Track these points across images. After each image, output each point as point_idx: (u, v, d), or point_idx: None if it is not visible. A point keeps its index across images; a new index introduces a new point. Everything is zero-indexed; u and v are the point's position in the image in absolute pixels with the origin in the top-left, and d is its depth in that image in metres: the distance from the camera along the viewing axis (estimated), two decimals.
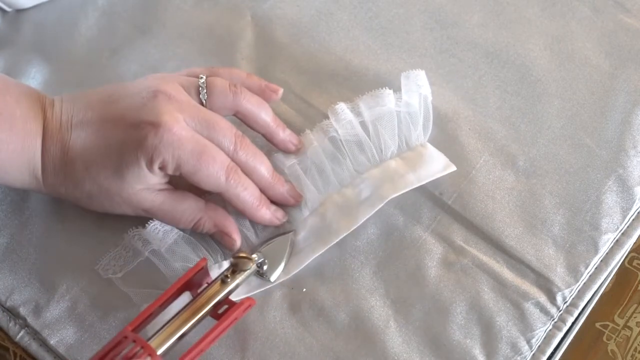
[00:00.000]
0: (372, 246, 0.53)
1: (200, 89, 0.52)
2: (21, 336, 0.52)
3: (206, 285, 0.49)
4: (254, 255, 0.51)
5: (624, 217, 0.54)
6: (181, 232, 0.52)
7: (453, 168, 0.54)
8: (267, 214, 0.53)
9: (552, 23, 0.62)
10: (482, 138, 0.57)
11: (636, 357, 0.52)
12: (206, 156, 0.49)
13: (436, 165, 0.54)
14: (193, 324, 0.47)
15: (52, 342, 0.51)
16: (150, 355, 0.44)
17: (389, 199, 0.53)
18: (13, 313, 0.53)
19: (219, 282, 0.49)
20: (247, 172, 0.52)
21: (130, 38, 0.62)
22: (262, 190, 0.53)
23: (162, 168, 0.49)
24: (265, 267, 0.52)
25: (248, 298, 0.49)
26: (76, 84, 0.60)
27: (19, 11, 0.64)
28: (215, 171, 0.49)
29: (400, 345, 0.50)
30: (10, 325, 0.52)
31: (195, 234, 0.53)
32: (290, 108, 0.59)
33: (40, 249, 0.54)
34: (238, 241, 0.53)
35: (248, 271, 0.49)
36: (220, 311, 0.48)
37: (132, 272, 0.52)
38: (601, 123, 0.57)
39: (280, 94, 0.56)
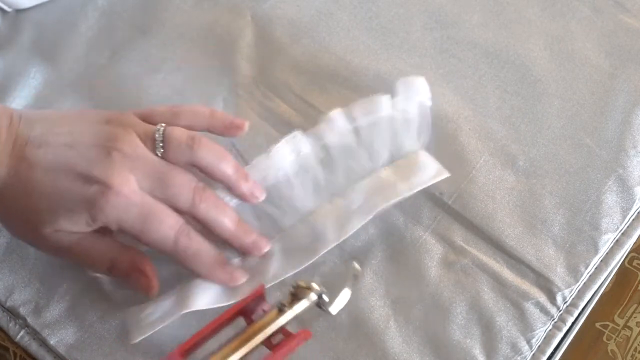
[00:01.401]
0: (372, 246, 0.53)
1: (156, 142, 0.49)
2: (21, 336, 0.52)
3: (262, 312, 0.47)
4: (314, 284, 0.47)
5: (624, 217, 0.54)
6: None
7: (446, 174, 0.54)
8: (223, 275, 0.50)
9: (552, 23, 0.62)
10: (482, 138, 0.57)
11: (636, 357, 0.52)
12: (152, 220, 0.47)
13: (428, 173, 0.53)
14: (246, 352, 0.45)
15: (52, 342, 0.51)
16: None
17: (379, 209, 0.52)
18: (13, 313, 0.53)
19: (275, 310, 0.46)
20: (210, 226, 0.50)
21: (130, 38, 0.62)
22: (227, 242, 0.51)
23: (105, 225, 0.48)
24: (325, 298, 0.48)
25: (304, 330, 0.46)
26: (76, 84, 0.60)
27: (19, 11, 0.64)
28: (162, 235, 0.48)
29: (400, 345, 0.50)
30: (10, 325, 0.52)
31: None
32: (290, 108, 0.59)
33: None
34: (156, 286, 0.50)
35: (308, 302, 0.47)
36: (275, 341, 0.46)
37: None
38: (601, 123, 0.57)
39: (246, 128, 0.53)
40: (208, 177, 0.51)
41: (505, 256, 0.53)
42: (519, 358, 0.50)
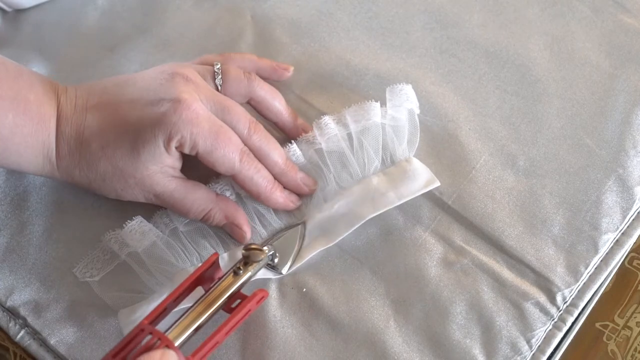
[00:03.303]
0: (372, 246, 0.53)
1: (215, 74, 0.53)
2: (21, 336, 0.52)
3: (218, 279, 0.49)
4: (265, 248, 0.50)
5: (624, 217, 0.54)
6: (160, 234, 0.52)
7: (437, 184, 0.54)
8: (281, 197, 0.53)
9: (552, 23, 0.62)
10: (482, 138, 0.57)
11: (636, 357, 0.52)
12: (222, 136, 0.49)
13: (419, 182, 0.54)
14: (208, 316, 0.47)
15: (52, 342, 0.51)
16: (167, 346, 0.44)
17: (367, 218, 0.53)
18: (13, 313, 0.53)
19: (231, 274, 0.48)
20: (261, 158, 0.52)
21: (130, 38, 0.63)
22: (275, 177, 0.53)
23: (179, 147, 0.49)
24: (276, 260, 0.52)
25: (261, 290, 0.49)
26: (76, 84, 0.60)
27: (19, 11, 0.64)
28: (230, 152, 0.50)
29: (400, 345, 0.50)
30: (10, 325, 0.52)
31: (173, 236, 0.52)
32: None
33: (40, 249, 0.54)
34: (248, 233, 0.53)
35: (260, 263, 0.49)
36: (233, 304, 0.48)
37: (109, 275, 0.52)
38: (601, 123, 0.57)
39: (291, 71, 0.58)
40: (260, 112, 0.55)
41: (505, 256, 0.53)
42: (518, 358, 0.50)
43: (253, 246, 0.49)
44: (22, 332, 0.52)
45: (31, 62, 0.61)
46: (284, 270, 0.52)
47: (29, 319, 0.52)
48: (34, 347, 0.52)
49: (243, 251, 0.49)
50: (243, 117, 0.51)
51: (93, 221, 0.55)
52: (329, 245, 0.53)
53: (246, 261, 0.49)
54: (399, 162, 0.55)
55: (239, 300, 0.48)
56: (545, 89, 0.59)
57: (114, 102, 0.50)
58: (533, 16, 0.62)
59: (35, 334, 0.52)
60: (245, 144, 0.51)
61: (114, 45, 0.62)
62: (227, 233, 0.53)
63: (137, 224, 0.51)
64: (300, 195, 0.54)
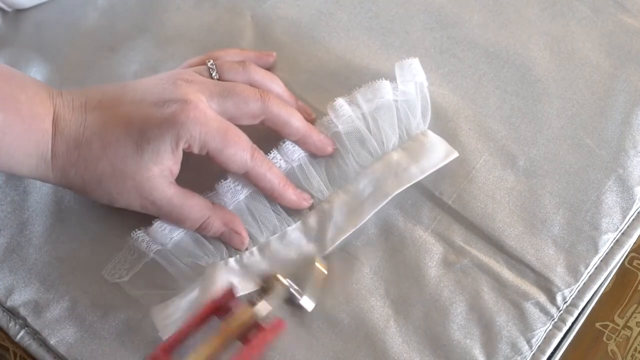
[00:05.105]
0: (372, 246, 0.53)
1: (210, 70, 0.53)
2: (21, 336, 0.52)
3: (234, 309, 0.48)
4: (279, 276, 0.49)
5: (624, 217, 0.54)
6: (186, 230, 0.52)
7: (455, 154, 0.54)
8: (294, 194, 0.53)
9: (552, 23, 0.62)
10: (482, 138, 0.57)
11: (636, 357, 0.52)
12: (231, 134, 0.50)
13: (438, 154, 0.54)
14: (222, 346, 0.46)
15: (52, 342, 0.51)
16: None
17: (394, 194, 0.53)
18: (13, 313, 0.53)
19: (247, 306, 0.48)
20: (281, 126, 0.53)
21: (130, 38, 0.63)
22: (299, 143, 0.54)
23: (188, 147, 0.49)
24: (294, 292, 0.50)
25: (278, 320, 0.48)
26: (76, 84, 0.60)
27: (19, 11, 0.64)
28: (241, 149, 0.50)
29: (400, 345, 0.50)
30: (10, 325, 0.52)
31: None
32: None
33: (40, 249, 0.54)
34: (247, 239, 0.53)
35: (278, 294, 0.49)
36: (250, 336, 0.47)
37: (138, 274, 0.52)
38: (601, 123, 0.57)
39: (275, 56, 0.59)
40: None
41: (505, 256, 0.53)
42: (518, 358, 0.50)
43: (271, 277, 0.48)
44: (22, 332, 0.52)
45: (31, 62, 0.61)
46: (304, 303, 0.51)
47: (29, 319, 0.52)
48: (34, 347, 0.52)
49: (261, 282, 0.49)
50: (252, 92, 0.52)
51: (93, 221, 0.55)
52: (357, 227, 0.53)
53: (263, 291, 0.48)
54: (416, 135, 0.55)
55: (255, 330, 0.47)
56: (545, 89, 0.59)
57: (116, 104, 0.50)
58: (533, 16, 0.62)
59: (35, 334, 0.52)
60: (266, 117, 0.52)
61: (114, 45, 0.62)
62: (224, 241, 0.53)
63: (165, 221, 0.52)
64: (325, 155, 0.54)
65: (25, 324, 0.52)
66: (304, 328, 0.51)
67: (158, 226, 0.52)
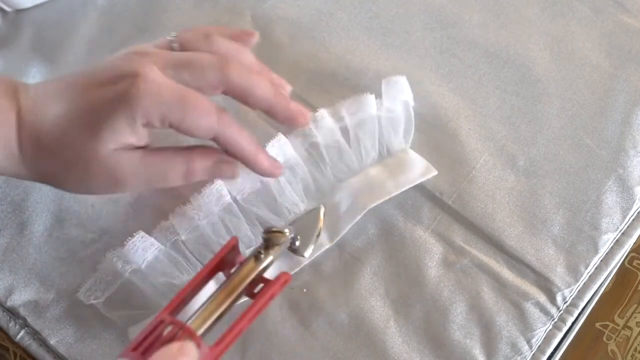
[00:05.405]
0: (372, 246, 0.53)
1: (171, 42, 0.50)
2: (21, 336, 0.52)
3: (239, 264, 0.47)
4: (286, 230, 0.48)
5: (624, 217, 0.54)
6: (161, 247, 0.50)
7: (434, 172, 0.54)
8: (266, 160, 0.50)
9: (552, 23, 0.62)
10: (482, 138, 0.57)
11: (636, 357, 0.52)
12: (190, 99, 0.46)
13: (417, 171, 0.54)
14: (230, 304, 0.45)
15: (52, 342, 0.51)
16: (190, 336, 0.41)
17: (368, 208, 0.53)
18: (13, 313, 0.53)
19: (252, 259, 0.46)
20: (246, 96, 0.48)
21: (130, 38, 0.62)
22: (269, 112, 0.49)
23: (147, 123, 0.46)
24: (297, 243, 0.50)
25: (284, 273, 0.46)
26: None
27: (19, 11, 0.64)
28: (205, 113, 0.46)
29: (400, 345, 0.50)
30: (10, 325, 0.52)
31: (174, 248, 0.51)
32: None
33: (40, 249, 0.54)
34: (238, 168, 0.50)
35: (281, 246, 0.47)
36: (256, 289, 0.46)
37: (114, 295, 0.51)
38: (601, 123, 0.57)
39: (257, 36, 0.52)
40: None
41: (505, 256, 0.53)
42: (518, 358, 0.50)
43: (274, 229, 0.47)
44: (22, 332, 0.52)
45: (31, 62, 0.61)
46: (307, 254, 0.50)
47: (29, 319, 0.52)
48: (34, 347, 0.52)
49: (264, 234, 0.47)
50: (210, 60, 0.47)
51: (93, 221, 0.55)
52: (332, 243, 0.52)
53: (267, 244, 0.47)
54: (396, 153, 0.55)
55: (261, 285, 0.46)
56: (545, 89, 0.59)
57: (76, 89, 0.48)
58: (533, 16, 0.62)
59: (35, 334, 0.52)
60: (226, 86, 0.48)
61: (114, 46, 0.62)
62: (216, 178, 0.51)
63: (138, 240, 0.50)
64: (297, 126, 0.51)
65: (25, 324, 0.52)
66: (304, 328, 0.51)
67: (130, 246, 0.50)
